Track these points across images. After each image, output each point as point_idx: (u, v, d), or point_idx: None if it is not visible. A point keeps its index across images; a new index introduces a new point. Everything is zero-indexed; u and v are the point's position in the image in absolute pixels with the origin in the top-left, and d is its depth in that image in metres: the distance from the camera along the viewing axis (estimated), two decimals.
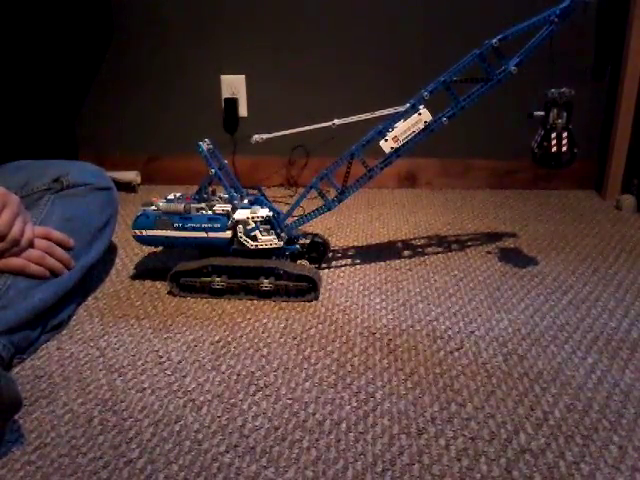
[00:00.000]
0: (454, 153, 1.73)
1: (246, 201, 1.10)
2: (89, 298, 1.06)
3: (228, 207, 1.05)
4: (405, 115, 1.04)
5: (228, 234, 1.04)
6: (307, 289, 1.04)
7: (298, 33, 1.67)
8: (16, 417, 0.71)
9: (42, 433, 0.71)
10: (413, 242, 1.33)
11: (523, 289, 1.08)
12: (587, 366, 0.84)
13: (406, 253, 1.27)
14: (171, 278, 1.06)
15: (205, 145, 1.07)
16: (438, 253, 1.26)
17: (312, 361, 0.86)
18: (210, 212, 1.05)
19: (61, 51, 1.71)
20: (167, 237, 1.05)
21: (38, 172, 1.02)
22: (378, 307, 1.02)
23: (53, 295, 0.90)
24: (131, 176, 1.72)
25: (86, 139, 1.81)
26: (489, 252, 1.26)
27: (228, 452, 0.68)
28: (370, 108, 1.05)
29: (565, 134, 1.05)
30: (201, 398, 0.77)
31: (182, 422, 0.73)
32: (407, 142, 1.04)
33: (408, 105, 1.03)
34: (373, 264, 1.21)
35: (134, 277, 1.15)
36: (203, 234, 1.04)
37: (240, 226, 1.03)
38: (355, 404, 0.76)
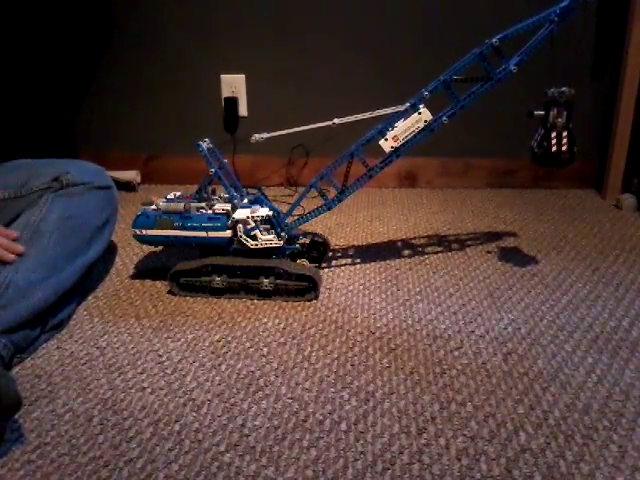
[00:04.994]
0: (454, 152, 1.73)
1: (246, 200, 1.10)
2: (89, 298, 1.06)
3: (228, 206, 1.05)
4: (405, 114, 1.04)
5: (228, 233, 1.04)
6: (307, 288, 1.04)
7: (298, 33, 1.67)
8: (16, 417, 0.71)
9: (42, 432, 0.71)
10: (413, 242, 1.33)
11: (523, 288, 1.08)
12: (587, 366, 0.84)
13: (406, 253, 1.27)
14: (171, 277, 1.06)
15: (205, 144, 1.07)
16: (438, 253, 1.26)
17: (312, 360, 0.86)
18: (210, 211, 1.05)
19: (61, 50, 1.71)
20: (167, 236, 1.05)
21: (38, 171, 1.02)
22: (378, 306, 1.02)
23: (53, 294, 0.90)
24: (131, 175, 1.72)
25: (86, 139, 1.81)
26: (489, 252, 1.26)
27: (228, 451, 0.68)
28: (370, 108, 1.05)
29: (565, 133, 1.05)
30: (201, 397, 0.77)
31: (182, 421, 0.73)
32: (407, 141, 1.04)
33: (408, 104, 1.03)
34: (373, 264, 1.20)
35: (134, 277, 1.15)
36: (203, 233, 1.04)
37: (240, 225, 1.03)
38: (355, 403, 0.76)
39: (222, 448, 0.68)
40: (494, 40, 1.00)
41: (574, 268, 1.17)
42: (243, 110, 1.75)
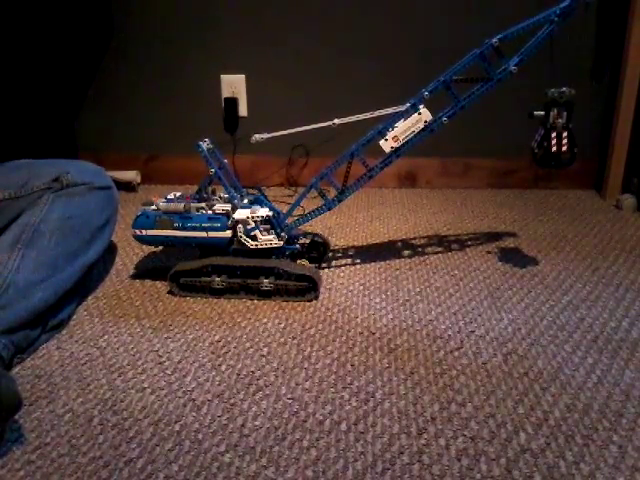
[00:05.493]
0: (454, 153, 1.73)
1: (246, 201, 1.10)
2: (89, 298, 1.06)
3: (228, 207, 1.05)
4: (405, 115, 1.04)
5: (228, 234, 1.04)
6: (307, 289, 1.04)
7: (298, 33, 1.67)
8: (16, 417, 0.71)
9: (42, 433, 0.71)
10: (413, 242, 1.33)
11: (523, 289, 1.08)
12: (587, 366, 0.84)
13: (406, 253, 1.27)
14: (171, 278, 1.06)
15: (205, 145, 1.07)
16: (438, 253, 1.26)
17: (312, 361, 0.86)
18: (210, 212, 1.05)
19: (61, 51, 1.71)
20: (167, 237, 1.05)
21: (38, 171, 1.02)
22: (378, 307, 1.02)
23: (53, 294, 0.90)
24: (131, 175, 1.72)
25: (86, 139, 1.81)
26: (489, 252, 1.26)
27: (228, 452, 0.68)
28: (370, 108, 1.05)
29: (565, 134, 1.05)
30: (201, 398, 0.77)
31: (182, 422, 0.73)
32: (407, 142, 1.04)
33: (408, 105, 1.03)
34: (373, 264, 1.20)
35: (134, 277, 1.15)
36: (203, 234, 1.04)
37: (240, 226, 1.03)
38: (355, 404, 0.76)
39: (222, 448, 0.68)
40: (494, 40, 1.00)
41: (574, 268, 1.17)
42: (243, 110, 1.75)
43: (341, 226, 1.44)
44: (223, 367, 0.84)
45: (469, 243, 1.32)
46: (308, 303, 1.04)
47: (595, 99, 1.65)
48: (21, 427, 0.71)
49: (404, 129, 1.03)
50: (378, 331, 0.94)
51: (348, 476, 0.64)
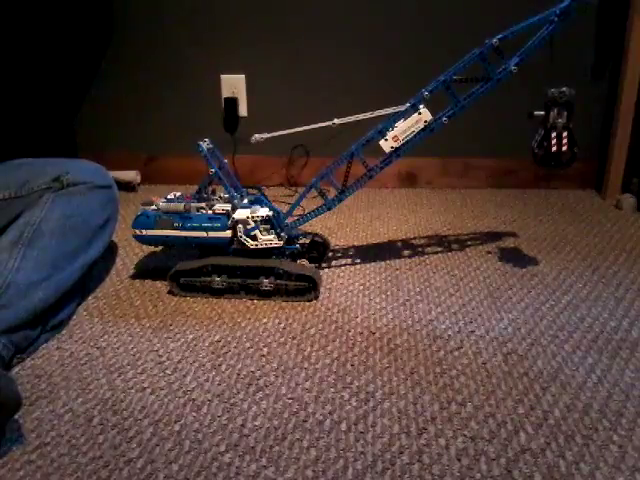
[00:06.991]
0: (454, 152, 1.73)
1: (246, 201, 1.10)
2: (89, 298, 1.06)
3: (228, 207, 1.05)
4: (405, 114, 1.04)
5: (228, 233, 1.04)
6: (307, 288, 1.04)
7: (298, 33, 1.67)
8: (16, 417, 0.71)
9: (42, 433, 0.71)
10: (413, 242, 1.33)
11: (523, 289, 1.08)
12: (587, 366, 0.84)
13: (406, 253, 1.27)
14: (171, 278, 1.06)
15: (205, 145, 1.07)
16: (438, 253, 1.26)
17: (312, 360, 0.86)
18: (210, 211, 1.05)
19: (61, 51, 1.71)
20: (167, 236, 1.05)
21: (38, 171, 1.02)
22: (378, 307, 1.02)
23: (53, 294, 0.90)
24: (131, 175, 1.72)
25: (86, 139, 1.81)
26: (489, 252, 1.26)
27: (228, 452, 0.68)
28: (370, 108, 1.05)
29: (565, 134, 1.05)
30: (201, 398, 0.77)
31: (182, 422, 0.73)
32: (407, 141, 1.04)
33: (408, 104, 1.03)
34: (373, 264, 1.20)
35: (134, 277, 1.15)
36: (203, 233, 1.04)
37: (240, 226, 1.03)
38: (355, 403, 0.76)
39: (222, 448, 0.68)
40: (494, 40, 1.00)
41: (574, 268, 1.17)
42: (243, 110, 1.75)
43: (341, 226, 1.44)
44: (223, 367, 0.84)
45: (469, 243, 1.32)
46: (308, 303, 1.04)
47: (595, 99, 1.65)
48: (21, 427, 0.71)
49: (404, 129, 1.03)
50: (378, 331, 0.94)
51: (348, 476, 0.64)
